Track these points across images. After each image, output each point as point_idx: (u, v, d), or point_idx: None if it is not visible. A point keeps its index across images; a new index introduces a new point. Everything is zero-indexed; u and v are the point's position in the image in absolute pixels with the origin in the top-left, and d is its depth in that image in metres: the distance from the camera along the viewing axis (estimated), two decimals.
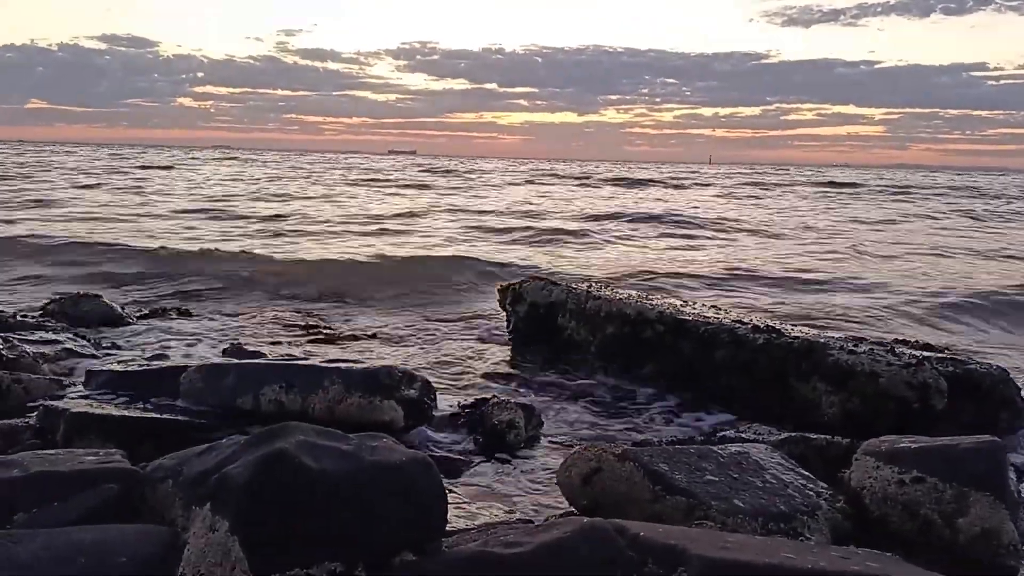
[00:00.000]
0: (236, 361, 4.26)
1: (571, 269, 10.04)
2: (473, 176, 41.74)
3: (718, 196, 30.60)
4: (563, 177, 43.94)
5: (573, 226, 15.98)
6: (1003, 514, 2.60)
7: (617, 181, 39.34)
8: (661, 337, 4.86)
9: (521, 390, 4.81)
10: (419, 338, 6.32)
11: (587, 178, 41.37)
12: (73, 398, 3.99)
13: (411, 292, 8.28)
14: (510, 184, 35.12)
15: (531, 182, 37.75)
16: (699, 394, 4.61)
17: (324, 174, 38.43)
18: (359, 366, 3.89)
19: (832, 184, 42.19)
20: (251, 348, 5.40)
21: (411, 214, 17.72)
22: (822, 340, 4.48)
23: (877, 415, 4.01)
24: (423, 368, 5.06)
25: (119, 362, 4.65)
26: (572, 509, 2.79)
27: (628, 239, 14.63)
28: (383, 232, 14.21)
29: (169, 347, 5.65)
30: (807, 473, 2.92)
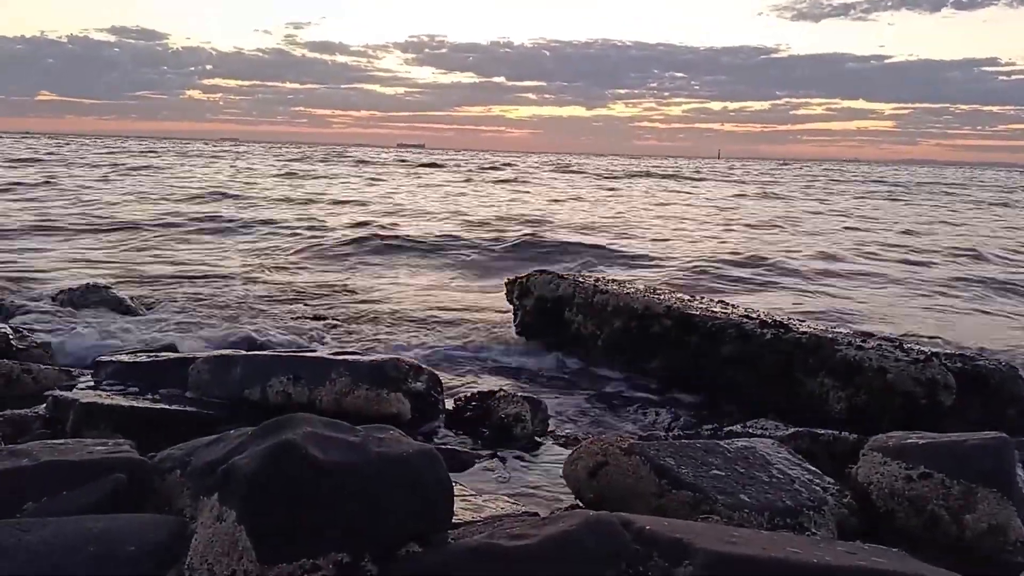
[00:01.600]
0: (244, 352, 4.27)
1: None
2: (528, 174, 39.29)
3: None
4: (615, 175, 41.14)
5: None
6: (1010, 510, 2.59)
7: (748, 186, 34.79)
8: (668, 332, 4.86)
9: (528, 384, 4.82)
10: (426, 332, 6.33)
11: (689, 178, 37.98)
12: (82, 388, 4.01)
13: None
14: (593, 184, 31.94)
15: (610, 179, 34.49)
16: (706, 389, 4.60)
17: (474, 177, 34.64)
18: (366, 358, 3.90)
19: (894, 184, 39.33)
20: (260, 339, 5.42)
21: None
22: (830, 335, 4.47)
23: (884, 411, 4.01)
24: (429, 360, 5.08)
25: (128, 353, 4.67)
26: (578, 502, 2.79)
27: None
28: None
29: (178, 338, 5.67)
30: (814, 468, 2.91)
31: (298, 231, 13.00)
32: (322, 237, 12.31)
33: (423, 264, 10.48)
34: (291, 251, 10.94)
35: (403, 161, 49.50)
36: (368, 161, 49.58)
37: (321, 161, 45.90)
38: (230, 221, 13.96)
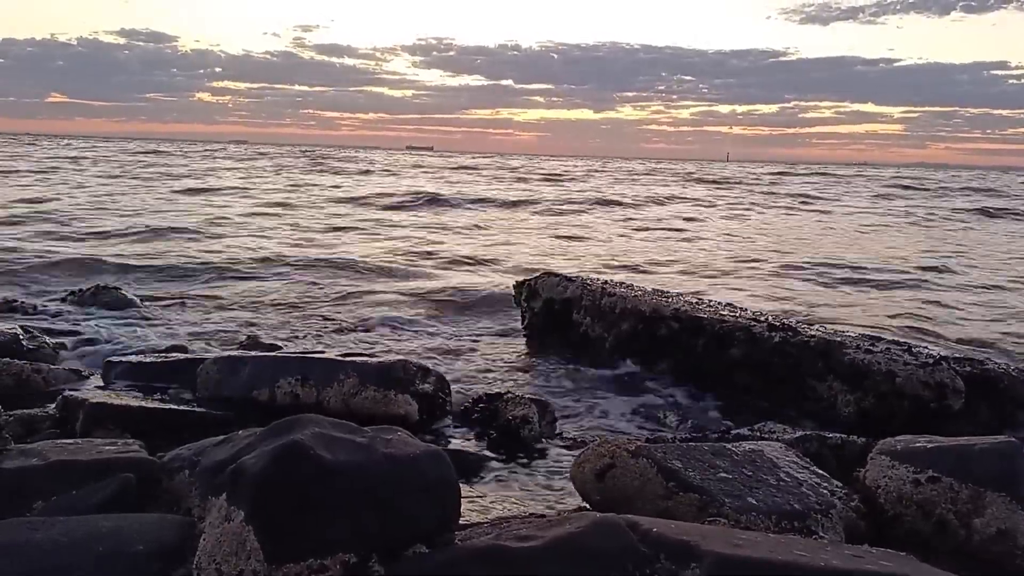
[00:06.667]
0: (252, 353, 4.29)
1: None
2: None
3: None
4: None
5: None
6: (1019, 515, 2.58)
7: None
8: (676, 335, 4.85)
9: (535, 386, 4.82)
10: (433, 332, 6.34)
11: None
12: (92, 388, 4.03)
13: None
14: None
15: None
16: (714, 392, 4.60)
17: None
18: (374, 360, 3.91)
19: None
20: (267, 341, 5.44)
21: None
22: (838, 339, 4.45)
23: (893, 414, 4.00)
24: (437, 362, 5.08)
25: (137, 353, 4.70)
26: (585, 504, 2.79)
27: None
28: None
29: (187, 339, 5.69)
30: (821, 472, 2.91)
31: None
32: None
33: None
34: None
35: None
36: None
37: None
38: None
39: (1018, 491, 2.61)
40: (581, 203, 22.17)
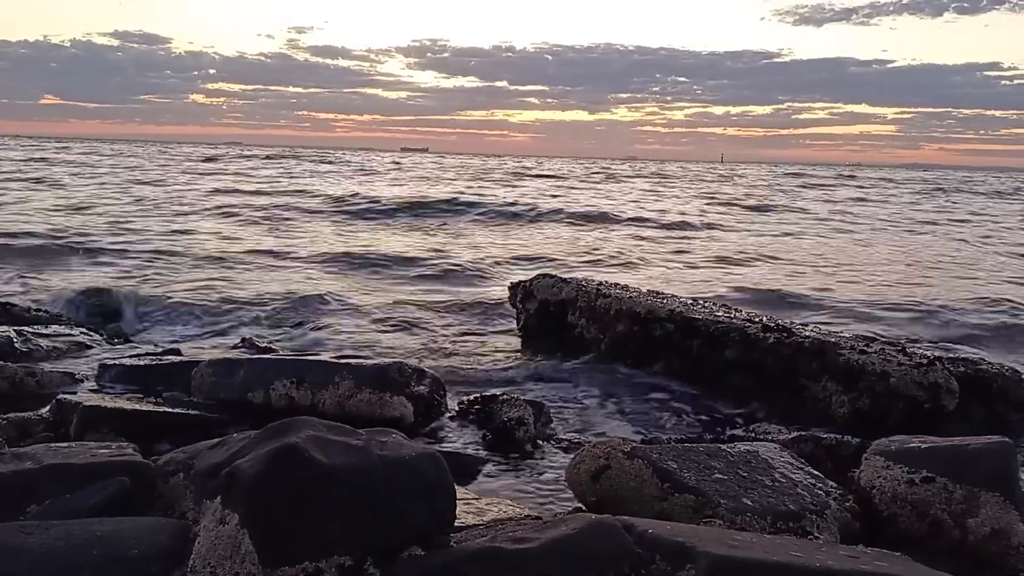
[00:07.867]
0: (247, 356, 4.28)
1: None
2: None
3: None
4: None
5: None
6: (1013, 515, 2.59)
7: None
8: (671, 335, 4.86)
9: (531, 387, 4.82)
10: (430, 334, 6.34)
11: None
12: (86, 391, 4.02)
13: None
14: None
15: None
16: (709, 393, 4.60)
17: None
18: (370, 362, 3.91)
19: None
20: (262, 343, 5.43)
21: None
22: (832, 340, 4.46)
23: (887, 415, 4.00)
24: (433, 364, 5.08)
25: (131, 356, 4.68)
26: (581, 506, 2.79)
27: None
28: None
29: (181, 341, 5.68)
30: (816, 472, 2.91)
31: None
32: None
33: None
34: None
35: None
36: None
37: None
38: None
39: (1012, 491, 2.62)
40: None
